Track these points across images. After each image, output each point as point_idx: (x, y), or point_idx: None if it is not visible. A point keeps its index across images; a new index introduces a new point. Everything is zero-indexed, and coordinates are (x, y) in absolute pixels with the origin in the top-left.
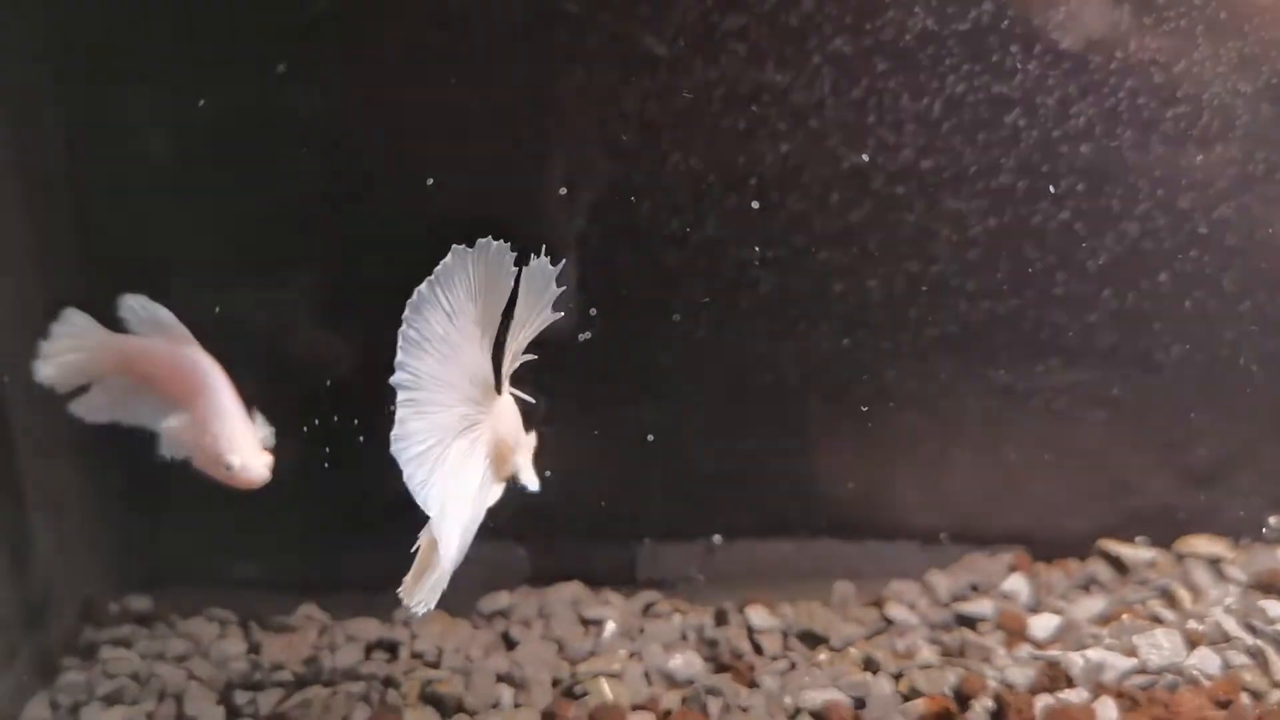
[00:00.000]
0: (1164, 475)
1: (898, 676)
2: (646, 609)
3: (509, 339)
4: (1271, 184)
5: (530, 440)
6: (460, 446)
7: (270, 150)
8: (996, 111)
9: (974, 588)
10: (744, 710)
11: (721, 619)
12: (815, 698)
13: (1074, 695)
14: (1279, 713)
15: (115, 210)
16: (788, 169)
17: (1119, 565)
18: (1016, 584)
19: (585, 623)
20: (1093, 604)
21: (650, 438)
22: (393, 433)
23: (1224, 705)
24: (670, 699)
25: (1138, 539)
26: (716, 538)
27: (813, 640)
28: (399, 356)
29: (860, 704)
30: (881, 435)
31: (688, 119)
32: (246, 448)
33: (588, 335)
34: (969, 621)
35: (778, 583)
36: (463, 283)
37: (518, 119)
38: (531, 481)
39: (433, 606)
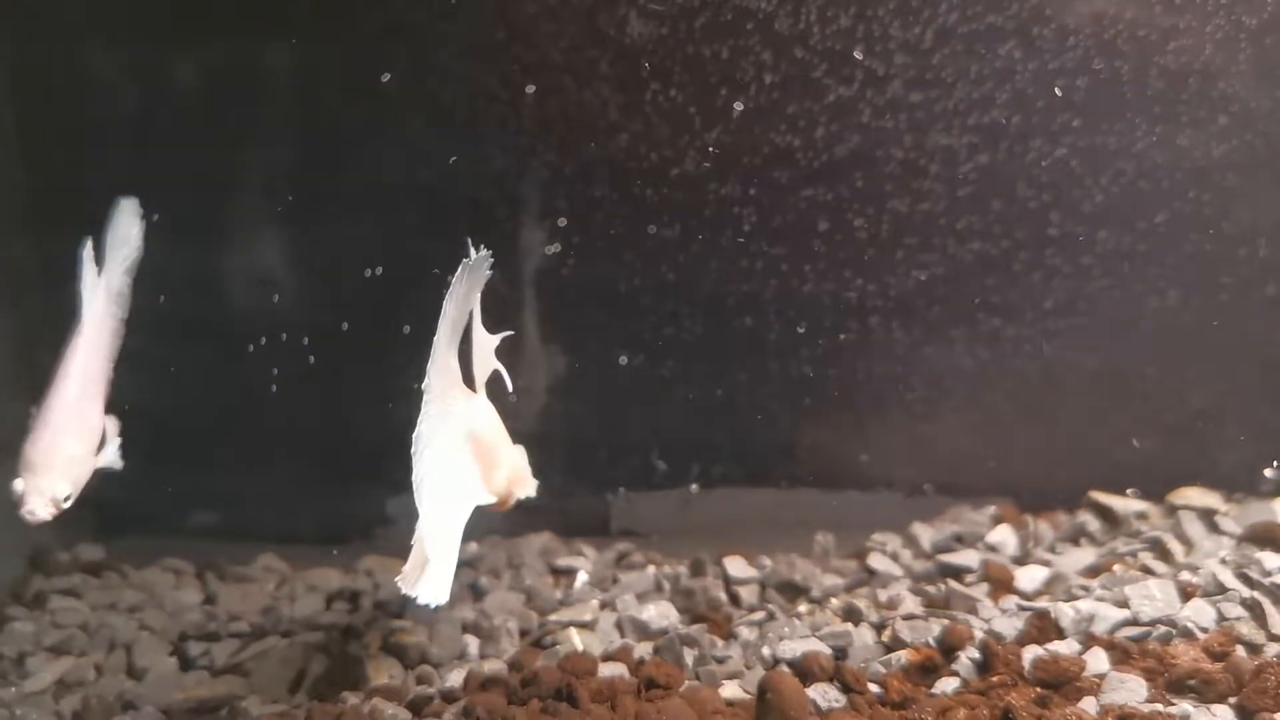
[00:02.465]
0: (1156, 427)
1: (880, 627)
2: (620, 559)
3: (474, 337)
4: (1274, 123)
5: (516, 453)
6: (450, 447)
7: None
8: (990, 43)
9: (958, 539)
10: (719, 661)
11: (698, 570)
12: (794, 648)
13: (1064, 647)
14: (1277, 665)
15: None
16: (771, 101)
17: (1109, 517)
18: (1002, 535)
19: (556, 573)
20: (1082, 556)
21: (627, 385)
22: (414, 433)
23: (1219, 658)
24: (643, 649)
25: (1128, 491)
26: (694, 487)
27: (792, 591)
28: (430, 365)
29: (841, 654)
30: (865, 383)
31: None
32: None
33: (555, 248)
34: (953, 573)
35: (757, 534)
36: (460, 292)
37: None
38: (529, 490)
39: (445, 599)
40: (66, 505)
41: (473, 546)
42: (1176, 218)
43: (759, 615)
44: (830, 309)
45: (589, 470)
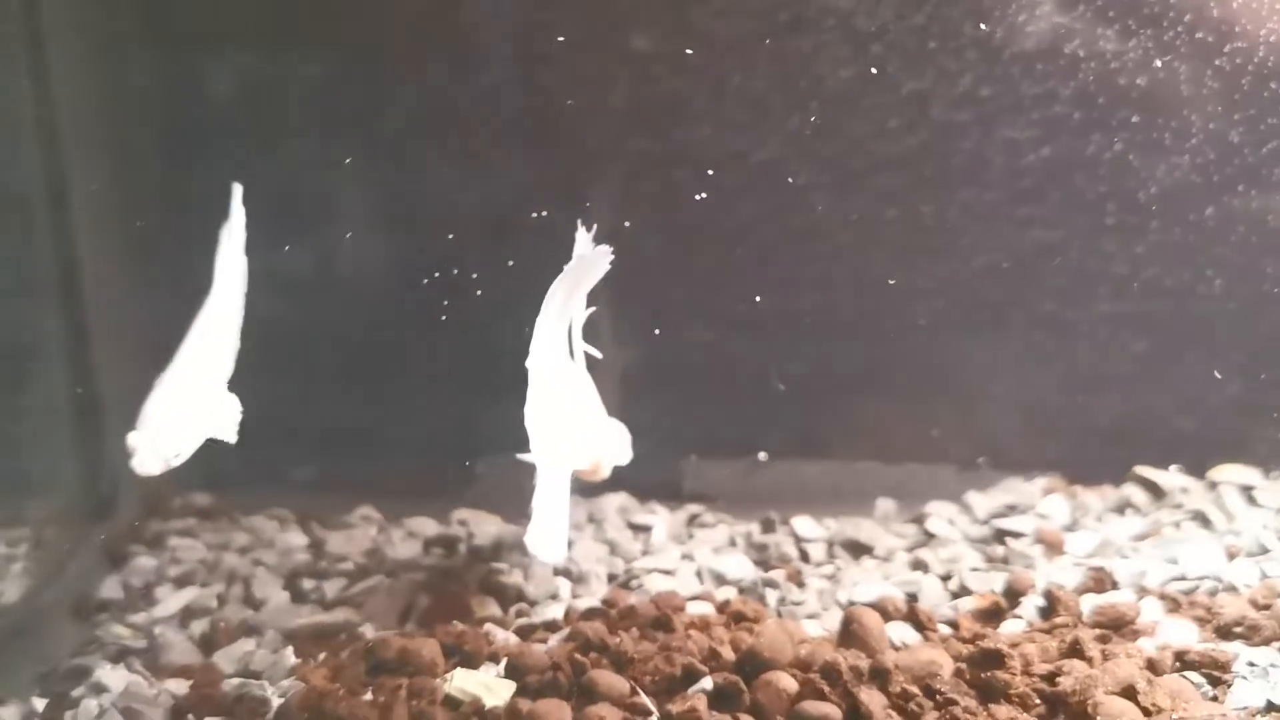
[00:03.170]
0: (1200, 406)
1: (945, 578)
2: (691, 520)
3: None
4: None
5: (613, 425)
6: (557, 419)
7: None
8: (1056, 40)
9: (1011, 508)
10: (798, 604)
11: (768, 527)
12: (868, 592)
13: (1120, 596)
14: None
15: None
16: (847, 93)
17: (1154, 490)
18: (1054, 505)
19: (634, 528)
20: (1129, 525)
21: (699, 356)
22: (526, 408)
23: (1264, 608)
24: (724, 593)
25: (1171, 467)
26: (761, 455)
27: (857, 549)
28: (534, 345)
29: (912, 599)
30: (926, 360)
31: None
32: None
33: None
34: (1008, 537)
35: (819, 501)
36: (570, 280)
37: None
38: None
39: (563, 556)
40: (175, 463)
41: None
42: (1224, 210)
43: (828, 569)
44: (894, 292)
45: (662, 437)
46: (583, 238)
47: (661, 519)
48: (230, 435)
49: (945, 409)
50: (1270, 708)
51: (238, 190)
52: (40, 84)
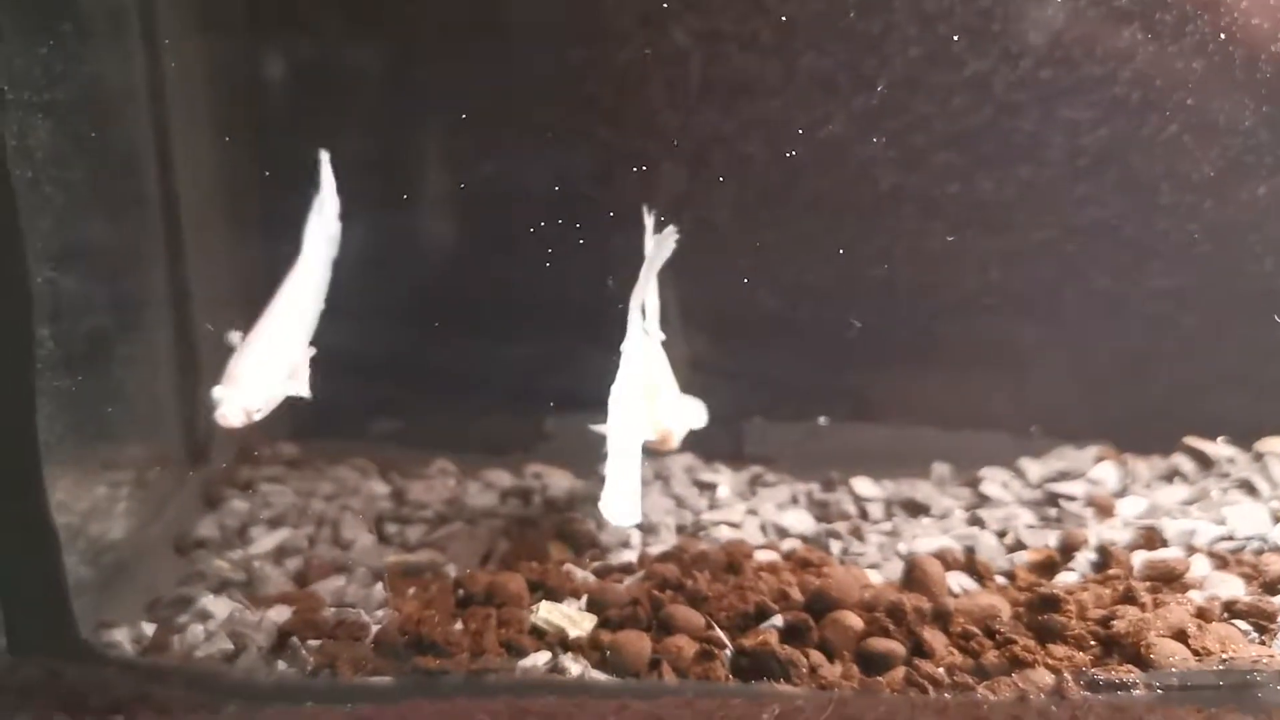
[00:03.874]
0: (1247, 381)
1: (1002, 534)
2: (754, 480)
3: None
4: None
5: (687, 400)
6: (638, 394)
7: None
8: (1116, 24)
9: (1063, 474)
10: (859, 555)
11: (829, 486)
12: (927, 544)
13: (1170, 553)
14: None
15: None
16: (914, 72)
17: (1202, 459)
18: (1104, 471)
19: (700, 485)
20: (1176, 492)
21: (763, 324)
22: (613, 386)
23: None
24: (788, 545)
25: (1219, 438)
26: (822, 420)
27: (915, 509)
28: (630, 330)
29: (970, 551)
30: (982, 331)
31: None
32: (233, 391)
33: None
34: (1060, 499)
35: (877, 465)
36: (651, 265)
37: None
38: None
39: (636, 519)
40: (257, 417)
41: None
42: (1275, 190)
43: (887, 526)
44: (955, 265)
45: (726, 401)
46: (649, 223)
47: (725, 478)
48: (305, 391)
49: (1000, 378)
50: None
51: (325, 158)
52: (151, 54)
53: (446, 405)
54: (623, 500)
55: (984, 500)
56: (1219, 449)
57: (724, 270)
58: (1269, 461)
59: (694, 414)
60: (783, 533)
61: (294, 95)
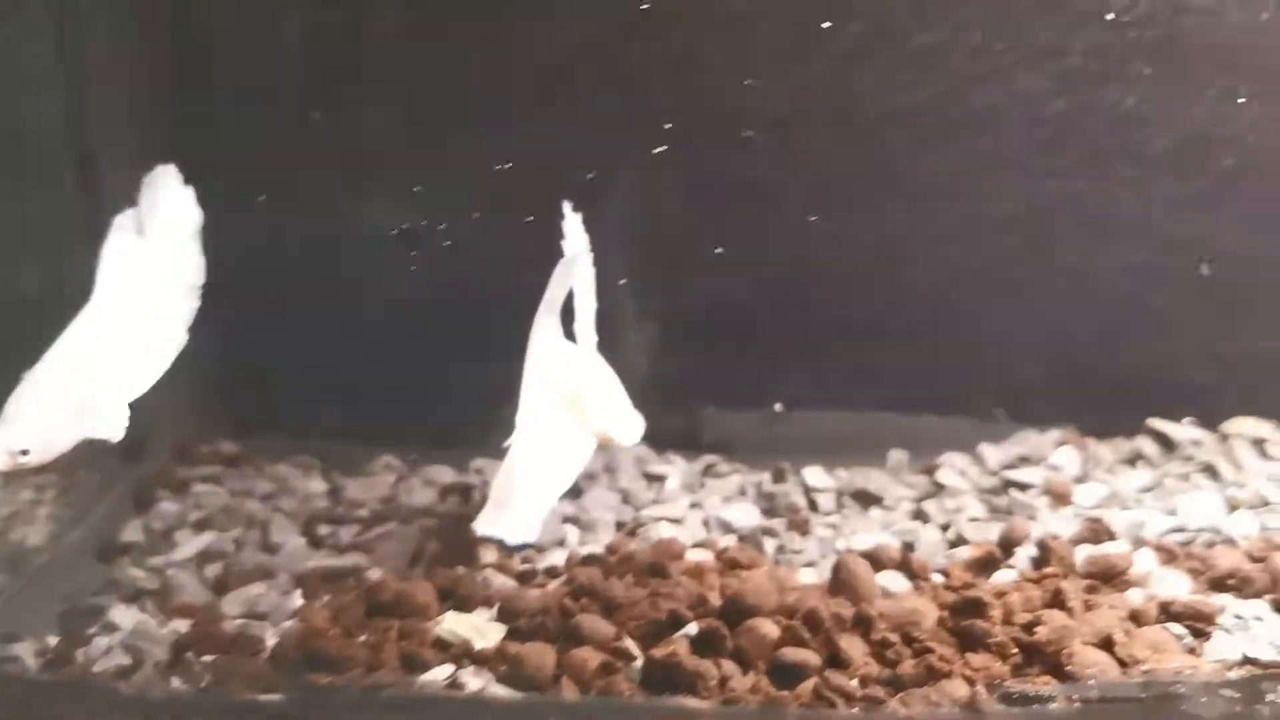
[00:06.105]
0: (1215, 360)
1: (945, 527)
2: (707, 469)
3: (577, 297)
4: None
5: (619, 401)
6: (547, 400)
7: None
8: None
9: (1023, 459)
10: (797, 553)
11: (779, 477)
12: (865, 541)
13: (1114, 547)
14: None
15: None
16: (856, 48)
17: (1166, 442)
18: (1065, 457)
19: (649, 478)
20: (1138, 477)
21: (717, 309)
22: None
23: (1258, 561)
24: (727, 541)
25: (1185, 420)
26: (777, 406)
27: (866, 499)
28: (535, 338)
29: (909, 548)
30: (942, 311)
31: None
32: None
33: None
34: (1016, 488)
35: (837, 452)
36: (561, 272)
37: None
38: (626, 438)
39: (533, 538)
40: (24, 461)
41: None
42: (1240, 166)
43: (835, 518)
44: (915, 244)
45: (680, 389)
46: (572, 222)
47: (677, 469)
48: (115, 435)
49: (962, 360)
50: (1245, 661)
51: (164, 176)
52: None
53: (396, 397)
54: (505, 516)
55: (939, 489)
56: (1184, 431)
57: (678, 255)
58: (1234, 444)
59: (631, 429)
60: (727, 528)
61: None
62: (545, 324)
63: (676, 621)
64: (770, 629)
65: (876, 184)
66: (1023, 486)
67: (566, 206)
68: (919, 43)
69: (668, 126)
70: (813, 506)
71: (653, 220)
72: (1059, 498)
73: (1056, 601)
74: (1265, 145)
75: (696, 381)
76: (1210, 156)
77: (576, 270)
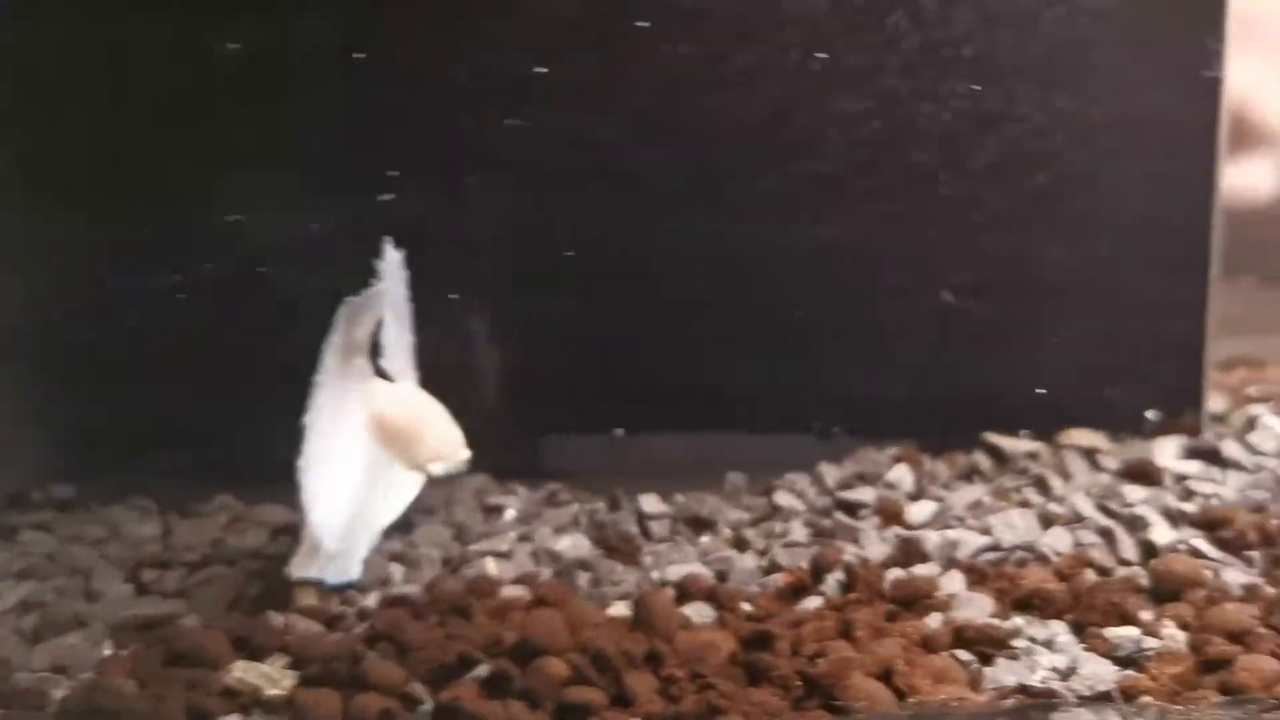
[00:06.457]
0: (1052, 372)
1: (764, 553)
2: (549, 498)
3: (387, 333)
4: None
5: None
6: (340, 435)
7: None
8: (879, 13)
9: (860, 478)
10: (615, 584)
11: (614, 505)
12: (679, 571)
13: (926, 569)
14: (1116, 587)
15: None
16: (678, 72)
17: (999, 456)
18: (900, 474)
19: (487, 510)
20: (971, 492)
21: (557, 336)
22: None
23: (1065, 579)
24: (549, 574)
25: (1021, 432)
26: (618, 431)
27: (699, 525)
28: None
29: (723, 577)
30: (779, 332)
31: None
32: None
33: None
34: (849, 508)
35: (683, 475)
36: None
37: None
38: (443, 468)
39: (355, 575)
40: None
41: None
42: (1060, 177)
43: (664, 546)
44: (745, 262)
45: (521, 416)
46: (390, 258)
47: (519, 499)
48: None
49: (802, 379)
50: (1019, 689)
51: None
52: None
53: (232, 435)
54: (316, 558)
55: (775, 511)
56: (1018, 444)
57: (515, 281)
58: (1066, 455)
59: (453, 459)
60: (556, 559)
61: None
62: (336, 364)
63: (467, 662)
64: (559, 668)
65: (711, 206)
66: (855, 506)
67: (388, 243)
68: (740, 63)
69: None
70: (646, 534)
71: (490, 244)
72: (890, 517)
73: (844, 631)
74: (1083, 159)
75: (538, 408)
76: (1031, 171)
77: (387, 305)
